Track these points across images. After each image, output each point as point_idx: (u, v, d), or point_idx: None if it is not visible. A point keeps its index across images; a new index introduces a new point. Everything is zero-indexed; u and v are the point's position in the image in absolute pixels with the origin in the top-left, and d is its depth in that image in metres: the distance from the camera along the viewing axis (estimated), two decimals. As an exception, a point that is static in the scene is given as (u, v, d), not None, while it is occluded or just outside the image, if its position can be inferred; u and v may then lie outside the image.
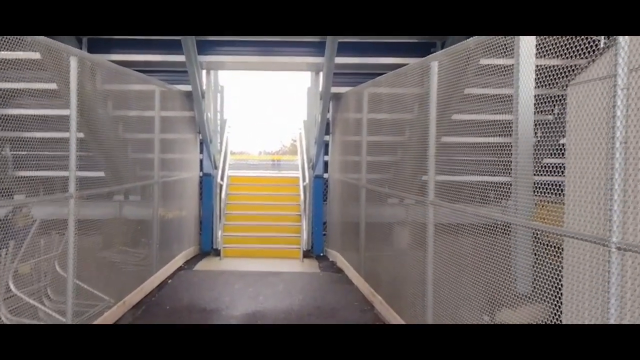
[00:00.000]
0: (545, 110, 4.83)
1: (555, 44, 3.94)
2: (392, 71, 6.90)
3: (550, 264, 4.17)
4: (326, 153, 11.19)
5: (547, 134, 5.29)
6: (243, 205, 11.65)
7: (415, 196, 5.75)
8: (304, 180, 11.49)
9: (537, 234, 4.67)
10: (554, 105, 6.17)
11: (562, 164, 4.22)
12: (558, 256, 4.22)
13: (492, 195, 4.86)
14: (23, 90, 6.42)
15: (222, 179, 11.39)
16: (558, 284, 3.94)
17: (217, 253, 10.72)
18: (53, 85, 6.43)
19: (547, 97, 4.71)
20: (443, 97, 5.28)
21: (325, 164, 11.23)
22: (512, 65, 5.19)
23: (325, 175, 11.21)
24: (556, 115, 6.55)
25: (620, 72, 3.06)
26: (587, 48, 3.67)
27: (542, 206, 4.38)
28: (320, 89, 10.04)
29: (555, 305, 3.86)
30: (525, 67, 5.03)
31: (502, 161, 4.87)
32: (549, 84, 4.46)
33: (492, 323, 4.58)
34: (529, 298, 4.59)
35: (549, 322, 3.90)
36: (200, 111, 9.83)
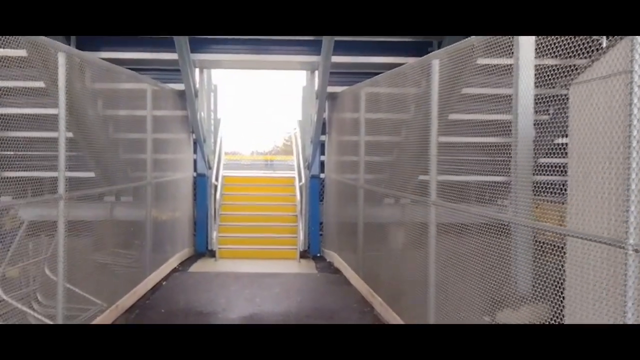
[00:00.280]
0: (540, 110, 4.79)
1: (556, 43, 3.85)
2: (391, 70, 6.77)
3: (551, 263, 4.10)
4: (322, 153, 11.04)
5: (543, 134, 5.22)
6: (238, 205, 11.48)
7: (416, 196, 5.60)
8: (300, 180, 11.34)
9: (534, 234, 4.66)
10: (549, 105, 6.09)
11: (558, 164, 4.09)
12: (560, 256, 4.12)
13: (493, 195, 4.76)
14: (9, 88, 6.24)
15: (216, 179, 11.23)
16: (560, 284, 3.85)
17: (212, 254, 10.56)
18: (40, 84, 6.26)
19: (542, 97, 4.66)
20: (445, 96, 5.15)
21: (322, 163, 11.08)
22: (515, 64, 5.13)
23: (322, 175, 11.06)
24: (552, 115, 6.47)
25: (637, 69, 2.93)
26: (588, 47, 3.58)
27: (537, 205, 4.40)
28: (316, 88, 9.88)
29: (558, 305, 3.78)
30: (525, 66, 4.94)
31: (503, 161, 4.80)
32: (547, 84, 4.38)
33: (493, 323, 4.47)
34: (530, 298, 4.55)
35: (550, 322, 3.79)
36: (194, 110, 9.66)
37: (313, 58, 9.65)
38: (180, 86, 9.32)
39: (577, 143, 4.37)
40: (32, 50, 5.34)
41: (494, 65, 4.70)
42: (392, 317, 6.29)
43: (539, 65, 4.52)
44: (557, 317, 3.78)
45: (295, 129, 13.25)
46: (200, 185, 10.93)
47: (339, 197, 9.73)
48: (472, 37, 4.60)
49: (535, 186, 4.34)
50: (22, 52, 5.50)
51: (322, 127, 10.40)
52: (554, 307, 3.89)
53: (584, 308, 4.01)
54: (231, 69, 11.91)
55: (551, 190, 4.05)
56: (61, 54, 5.25)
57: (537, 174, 4.45)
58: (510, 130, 4.97)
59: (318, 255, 10.78)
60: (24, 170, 5.12)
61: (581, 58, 4.11)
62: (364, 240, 7.89)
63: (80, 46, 9.34)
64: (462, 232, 4.93)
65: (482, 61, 4.79)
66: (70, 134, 5.69)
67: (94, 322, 6.01)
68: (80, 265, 5.96)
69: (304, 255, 10.61)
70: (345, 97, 9.48)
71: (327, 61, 8.33)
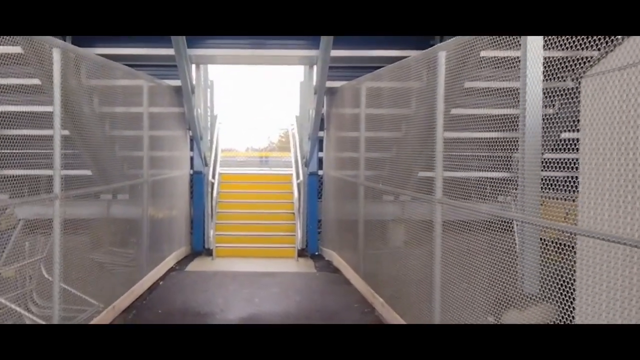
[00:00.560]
0: (546, 104, 4.69)
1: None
2: (393, 63, 6.62)
3: (557, 262, 4.04)
4: (320, 149, 10.90)
5: (548, 128, 5.13)
6: (235, 203, 11.34)
7: (421, 194, 5.47)
8: (297, 177, 11.20)
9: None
10: (554, 99, 5.98)
11: (564, 160, 3.99)
12: (568, 255, 4.03)
13: (500, 192, 4.67)
14: (5, 86, 6.11)
15: (213, 176, 11.08)
16: (570, 284, 3.74)
17: (209, 253, 10.42)
18: (36, 81, 6.13)
19: (547, 90, 4.56)
20: (452, 90, 5.02)
21: (320, 160, 10.93)
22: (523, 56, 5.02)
23: (320, 172, 10.91)
24: (557, 109, 6.37)
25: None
26: (599, 39, 3.48)
27: (541, 202, 4.31)
28: (315, 82, 9.73)
29: (567, 306, 3.67)
30: (533, 58, 4.83)
31: (512, 157, 4.70)
32: (554, 77, 4.29)
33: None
34: (537, 298, 4.46)
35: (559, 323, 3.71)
36: (190, 107, 9.50)
37: (311, 52, 9.49)
38: (176, 82, 9.16)
39: (589, 137, 4.28)
40: (27, 46, 5.22)
41: (503, 58, 4.59)
42: (394, 318, 6.16)
43: (548, 57, 4.43)
44: (566, 318, 3.69)
45: (292, 125, 13.09)
46: (197, 182, 10.78)
47: (338, 194, 9.59)
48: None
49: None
50: (17, 49, 5.38)
51: (321, 123, 10.25)
52: (563, 307, 3.79)
53: (596, 309, 3.92)
54: (228, 65, 11.74)
55: (557, 186, 3.94)
56: (56, 49, 5.11)
57: (542, 170, 4.35)
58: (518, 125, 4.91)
59: (316, 253, 10.64)
60: (20, 169, 5.00)
61: (593, 49, 4.02)
62: (365, 238, 7.76)
63: (75, 42, 9.13)
64: (464, 229, 4.83)
65: (490, 54, 4.68)
66: (66, 132, 5.56)
67: (91, 324, 5.88)
68: (76, 265, 5.83)
69: (302, 253, 10.48)
70: (344, 92, 9.33)
71: (327, 55, 8.18)
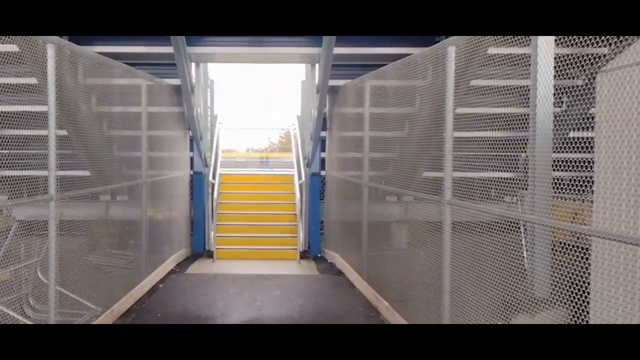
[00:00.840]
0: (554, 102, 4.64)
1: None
2: (399, 60, 6.45)
3: (568, 265, 3.92)
4: (322, 149, 10.72)
5: (556, 127, 5.00)
6: (236, 204, 11.15)
7: (429, 195, 5.30)
8: (299, 178, 11.01)
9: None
10: (562, 97, 5.85)
11: (573, 159, 3.84)
12: (580, 257, 3.88)
13: (509, 192, 4.55)
14: (2, 85, 5.96)
15: (213, 177, 10.90)
16: (583, 287, 3.63)
17: (209, 255, 10.24)
18: (33, 80, 5.98)
19: (558, 88, 4.45)
20: (461, 87, 4.86)
21: (322, 160, 10.75)
22: (533, 53, 4.91)
23: (322, 173, 10.73)
24: (565, 107, 6.24)
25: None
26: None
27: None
28: (317, 81, 9.55)
29: (580, 310, 3.55)
30: (544, 55, 4.71)
31: (518, 156, 4.58)
32: (565, 74, 4.16)
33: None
34: (548, 302, 4.30)
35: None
36: (190, 106, 9.33)
37: (313, 50, 9.32)
38: (176, 81, 9.00)
39: (605, 136, 4.12)
40: (23, 45, 5.09)
41: (515, 55, 4.45)
42: (400, 323, 5.98)
43: (559, 54, 4.31)
44: (580, 323, 3.58)
45: (293, 125, 12.91)
46: (197, 183, 10.61)
47: (341, 195, 9.40)
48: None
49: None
50: (14, 48, 5.24)
51: (323, 123, 10.07)
52: (575, 311, 3.64)
53: (612, 314, 3.78)
54: (228, 63, 11.55)
55: (565, 186, 3.89)
56: (50, 45, 4.94)
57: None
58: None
59: (319, 255, 10.46)
60: (19, 170, 4.84)
61: (605, 46, 3.89)
62: (369, 240, 7.58)
63: (73, 40, 8.89)
64: (469, 230, 4.69)
65: (500, 50, 4.54)
66: (63, 132, 5.43)
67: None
68: (73, 267, 5.66)
69: (304, 255, 10.30)
70: (347, 90, 9.16)
71: (329, 53, 7.99)
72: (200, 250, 10.52)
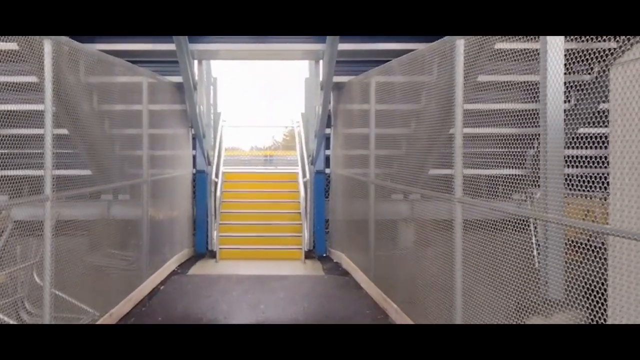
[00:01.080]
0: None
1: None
2: (405, 55, 6.25)
3: (582, 265, 3.75)
4: (327, 147, 10.52)
5: (565, 123, 4.88)
6: (239, 203, 10.97)
7: (438, 192, 5.10)
8: (304, 176, 10.81)
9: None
10: (570, 92, 5.69)
11: (581, 156, 3.77)
12: (596, 257, 3.69)
13: (514, 190, 4.51)
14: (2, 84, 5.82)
15: (216, 176, 10.72)
16: (600, 288, 3.47)
17: (212, 255, 10.06)
18: (33, 79, 5.81)
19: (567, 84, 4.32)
20: (470, 82, 4.67)
21: (327, 158, 10.56)
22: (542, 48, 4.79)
23: (327, 171, 10.54)
24: (573, 103, 6.07)
25: None
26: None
27: None
28: (321, 78, 9.36)
29: (597, 312, 3.39)
30: (554, 50, 4.56)
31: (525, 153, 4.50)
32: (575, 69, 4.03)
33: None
34: (562, 304, 4.13)
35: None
36: (193, 104, 9.14)
37: (317, 46, 9.13)
38: (178, 79, 8.82)
39: (621, 131, 3.94)
40: (22, 43, 4.96)
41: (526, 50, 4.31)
42: (410, 325, 5.80)
43: (570, 49, 4.18)
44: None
45: (297, 123, 12.71)
46: (200, 182, 10.43)
47: (347, 193, 9.20)
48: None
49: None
50: (13, 45, 5.08)
51: (327, 120, 9.87)
52: (593, 313, 3.47)
53: (631, 312, 3.61)
54: (231, 60, 11.38)
55: (575, 183, 3.73)
56: (47, 41, 4.77)
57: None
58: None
59: (324, 255, 10.26)
60: (18, 169, 4.68)
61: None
62: (376, 240, 7.39)
63: (75, 38, 8.78)
64: (478, 228, 4.53)
65: (509, 45, 4.37)
66: (63, 131, 5.27)
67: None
68: (70, 270, 5.50)
69: (309, 255, 10.10)
70: (352, 87, 8.96)
71: (334, 49, 7.81)
72: (202, 251, 10.34)
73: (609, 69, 4.08)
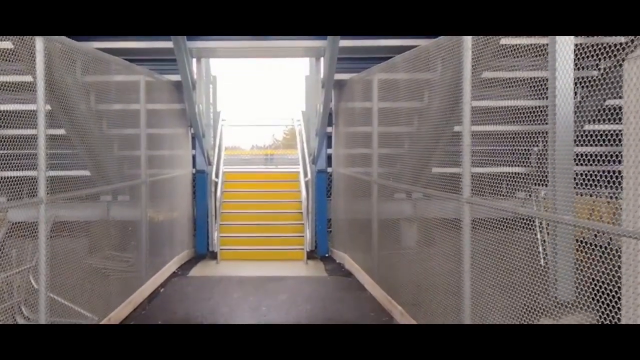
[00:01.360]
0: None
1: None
2: (409, 51, 6.09)
3: (589, 263, 3.69)
4: (329, 146, 10.36)
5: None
6: (240, 203, 10.82)
7: (445, 193, 4.95)
8: (305, 175, 10.65)
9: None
10: (577, 88, 5.57)
11: (587, 153, 3.66)
12: (607, 257, 3.69)
13: (518, 188, 4.36)
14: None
15: (216, 175, 10.56)
16: (612, 289, 3.36)
17: (213, 256, 9.91)
18: (28, 78, 5.67)
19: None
20: (477, 78, 4.52)
21: (328, 157, 10.40)
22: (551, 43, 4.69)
23: (329, 170, 10.38)
24: (579, 99, 5.94)
25: None
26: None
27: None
28: (322, 75, 9.20)
29: (610, 314, 3.28)
30: (563, 46, 4.43)
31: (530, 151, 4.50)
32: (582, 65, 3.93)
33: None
34: (573, 306, 4.05)
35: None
36: (192, 103, 8.99)
37: (318, 43, 8.96)
38: (176, 77, 8.67)
39: (635, 127, 3.81)
40: (16, 40, 4.78)
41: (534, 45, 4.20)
42: (416, 329, 5.64)
43: (580, 44, 4.07)
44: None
45: (298, 121, 12.55)
46: (200, 182, 10.28)
47: (349, 193, 9.05)
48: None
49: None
50: (7, 44, 4.94)
51: (329, 118, 9.71)
52: (605, 315, 3.36)
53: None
54: (230, 58, 11.20)
55: (581, 182, 3.59)
56: (39, 38, 4.62)
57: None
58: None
59: (326, 255, 10.11)
60: (16, 170, 4.54)
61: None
62: (380, 240, 7.23)
63: (70, 36, 8.63)
64: (482, 227, 4.41)
65: (517, 41, 4.30)
66: (60, 131, 5.11)
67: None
68: (68, 273, 5.36)
69: (311, 255, 9.95)
70: (354, 84, 8.80)
71: (335, 46, 7.65)
72: (203, 252, 10.19)
73: (620, 65, 3.97)
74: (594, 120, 5.63)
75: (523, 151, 4.43)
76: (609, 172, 3.55)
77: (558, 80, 4.39)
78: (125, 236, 7.22)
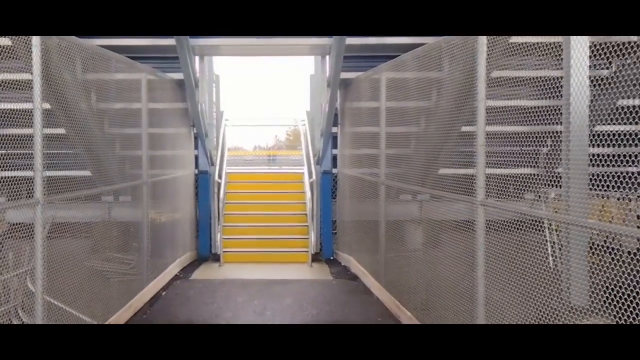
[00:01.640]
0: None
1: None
2: (419, 48, 5.90)
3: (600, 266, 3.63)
4: (334, 146, 10.17)
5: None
6: (244, 205, 10.64)
7: (458, 195, 4.76)
8: (310, 176, 10.45)
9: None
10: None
11: (603, 154, 3.55)
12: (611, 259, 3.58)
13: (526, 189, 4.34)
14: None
15: (219, 176, 10.36)
16: (628, 293, 3.22)
17: (216, 258, 9.73)
18: (27, 76, 5.50)
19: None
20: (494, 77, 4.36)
21: (334, 158, 10.21)
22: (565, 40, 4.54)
23: (334, 171, 10.19)
24: (590, 99, 5.76)
25: None
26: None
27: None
28: (327, 74, 9.00)
29: (627, 320, 3.14)
30: (578, 44, 4.28)
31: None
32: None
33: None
34: (587, 312, 3.84)
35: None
36: (194, 102, 8.81)
37: (324, 41, 8.76)
38: (179, 75, 8.49)
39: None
40: (16, 38, 4.64)
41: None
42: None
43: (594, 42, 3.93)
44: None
45: (302, 121, 12.36)
46: (202, 183, 10.10)
47: (356, 194, 8.86)
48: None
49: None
50: (6, 41, 4.78)
51: (334, 118, 9.51)
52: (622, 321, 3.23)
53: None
54: (233, 56, 10.98)
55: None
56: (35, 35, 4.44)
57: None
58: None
59: (332, 258, 9.93)
60: (15, 170, 4.38)
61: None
62: (387, 242, 7.04)
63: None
64: (490, 228, 4.27)
65: (528, 39, 4.24)
66: (60, 130, 4.94)
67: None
68: (66, 276, 5.19)
69: (316, 258, 9.77)
70: (360, 83, 8.61)
71: (341, 43, 7.46)
72: (206, 254, 10.01)
73: (634, 63, 3.85)
74: (606, 121, 5.48)
75: (532, 152, 4.31)
76: (622, 173, 3.42)
77: (572, 79, 4.22)
78: (126, 238, 7.04)
